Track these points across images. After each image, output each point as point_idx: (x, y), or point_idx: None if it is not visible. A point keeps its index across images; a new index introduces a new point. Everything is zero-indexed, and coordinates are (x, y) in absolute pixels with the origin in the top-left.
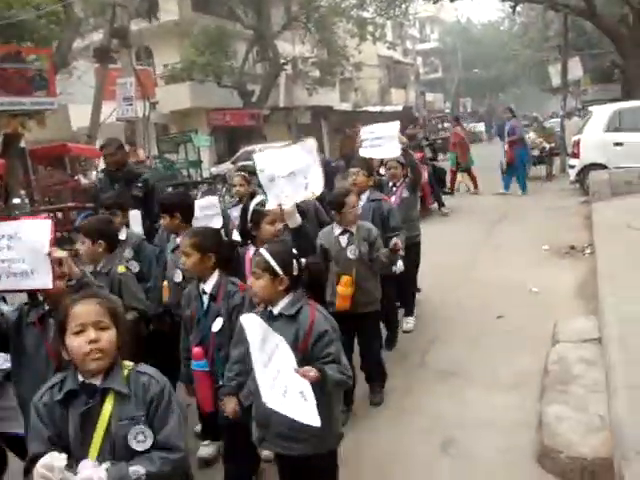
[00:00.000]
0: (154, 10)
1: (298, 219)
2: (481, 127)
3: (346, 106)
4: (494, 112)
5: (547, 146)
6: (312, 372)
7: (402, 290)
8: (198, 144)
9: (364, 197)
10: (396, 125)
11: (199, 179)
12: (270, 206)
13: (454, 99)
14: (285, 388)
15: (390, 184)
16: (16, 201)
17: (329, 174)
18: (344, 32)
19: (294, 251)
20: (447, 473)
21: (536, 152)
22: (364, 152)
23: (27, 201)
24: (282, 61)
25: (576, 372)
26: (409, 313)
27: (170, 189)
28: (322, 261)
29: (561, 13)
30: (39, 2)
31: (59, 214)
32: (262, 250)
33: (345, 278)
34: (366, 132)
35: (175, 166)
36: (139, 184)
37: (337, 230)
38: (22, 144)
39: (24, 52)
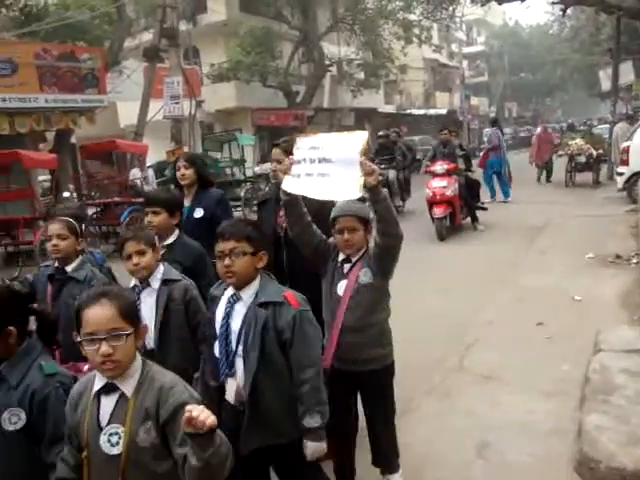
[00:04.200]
0: (199, 12)
1: None
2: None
3: (390, 108)
4: (540, 117)
5: (594, 152)
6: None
7: (374, 446)
8: (242, 143)
9: (247, 296)
10: (361, 139)
11: (243, 178)
12: None
13: (499, 103)
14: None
15: (340, 258)
16: (65, 195)
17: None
18: (390, 34)
19: None
20: (481, 476)
21: (582, 159)
22: (292, 186)
23: (75, 195)
24: (327, 62)
25: (618, 382)
26: (392, 469)
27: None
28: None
29: (613, 15)
30: (94, 4)
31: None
32: None
33: None
34: (304, 147)
35: (219, 165)
36: None
37: (98, 384)
38: (72, 140)
39: (78, 51)
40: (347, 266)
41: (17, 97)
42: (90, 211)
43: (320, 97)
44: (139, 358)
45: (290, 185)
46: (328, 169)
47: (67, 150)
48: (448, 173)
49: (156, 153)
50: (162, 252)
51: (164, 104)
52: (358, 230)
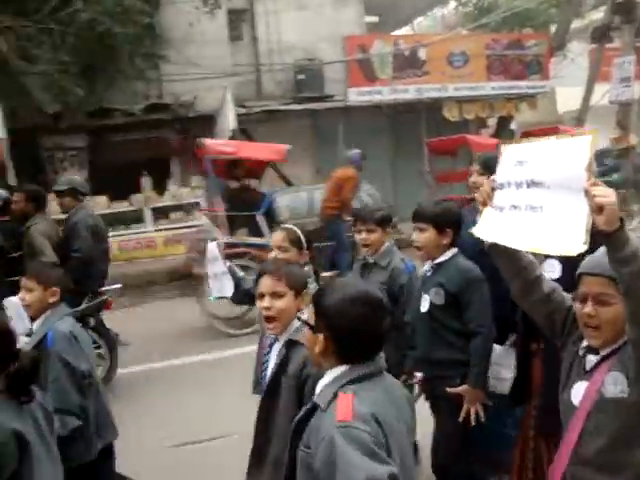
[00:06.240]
0: None
1: None
2: None
3: None
4: None
5: None
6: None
7: None
8: None
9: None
10: (584, 146)
11: None
12: None
13: None
14: None
15: (584, 343)
16: None
17: None
18: None
19: None
20: None
21: None
22: (489, 228)
23: None
24: None
25: None
26: None
27: None
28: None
29: None
30: None
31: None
32: None
33: None
34: (510, 161)
35: None
36: None
37: None
38: (512, 126)
39: (524, 39)
40: (592, 359)
41: (466, 86)
42: None
43: None
44: None
45: (487, 227)
46: (541, 199)
47: (506, 136)
48: None
49: (599, 140)
50: (430, 272)
51: (611, 87)
52: (614, 304)
